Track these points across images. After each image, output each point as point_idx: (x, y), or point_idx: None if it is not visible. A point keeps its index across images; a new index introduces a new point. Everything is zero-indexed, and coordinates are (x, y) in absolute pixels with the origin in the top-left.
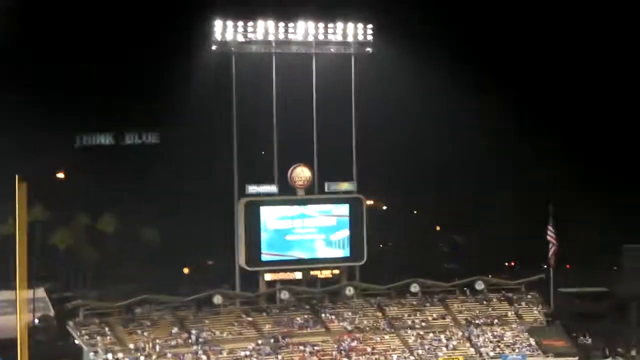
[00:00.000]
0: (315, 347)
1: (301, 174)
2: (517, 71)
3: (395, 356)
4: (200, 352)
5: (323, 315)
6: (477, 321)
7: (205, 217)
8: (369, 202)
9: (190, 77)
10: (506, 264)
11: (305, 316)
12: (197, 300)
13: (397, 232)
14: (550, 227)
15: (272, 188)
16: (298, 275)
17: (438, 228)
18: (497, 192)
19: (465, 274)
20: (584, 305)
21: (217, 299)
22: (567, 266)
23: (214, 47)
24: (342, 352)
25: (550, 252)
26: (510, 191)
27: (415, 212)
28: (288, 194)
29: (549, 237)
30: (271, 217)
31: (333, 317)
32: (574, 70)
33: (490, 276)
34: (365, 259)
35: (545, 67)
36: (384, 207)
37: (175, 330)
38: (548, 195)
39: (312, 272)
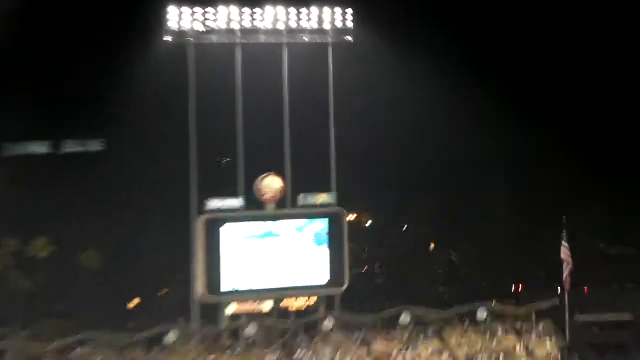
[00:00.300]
0: None
1: (271, 184)
2: (516, 62)
3: None
4: None
5: (297, 353)
6: (479, 357)
7: (157, 239)
8: (351, 217)
9: (139, 73)
10: (513, 287)
11: (277, 355)
12: (148, 338)
13: (385, 251)
14: (564, 244)
15: (237, 202)
16: (267, 306)
17: (433, 245)
18: (503, 203)
19: (465, 301)
20: (606, 336)
21: (172, 337)
22: (585, 289)
23: (167, 38)
24: None
25: (566, 273)
26: (519, 202)
27: (406, 226)
28: (256, 209)
29: (563, 255)
30: (235, 237)
31: (309, 355)
32: (580, 57)
33: (494, 303)
34: (347, 285)
35: (545, 57)
36: (369, 222)
37: None
38: (562, 207)
39: (283, 302)
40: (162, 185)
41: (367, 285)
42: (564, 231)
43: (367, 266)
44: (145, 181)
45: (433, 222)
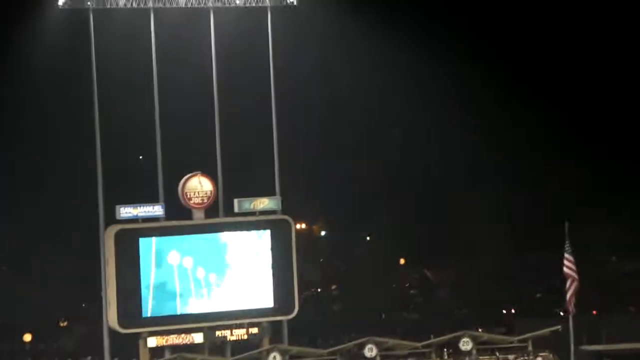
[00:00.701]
0: None
1: (198, 187)
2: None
3: None
4: None
5: None
6: None
7: (54, 257)
8: (300, 227)
9: (28, 47)
10: (504, 311)
11: None
12: None
13: (344, 269)
14: (568, 256)
15: (156, 209)
16: (197, 337)
17: (403, 261)
18: (492, 208)
19: (444, 328)
20: None
21: None
22: (594, 312)
23: (61, 2)
24: None
25: (570, 292)
26: (506, 205)
27: (368, 238)
28: (180, 218)
29: (566, 270)
30: (156, 253)
31: None
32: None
33: (480, 330)
34: (296, 311)
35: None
36: (322, 233)
37: None
38: (567, 215)
39: (218, 333)
40: (60, 189)
41: (322, 311)
42: (567, 241)
43: (320, 289)
44: (39, 184)
45: (403, 231)
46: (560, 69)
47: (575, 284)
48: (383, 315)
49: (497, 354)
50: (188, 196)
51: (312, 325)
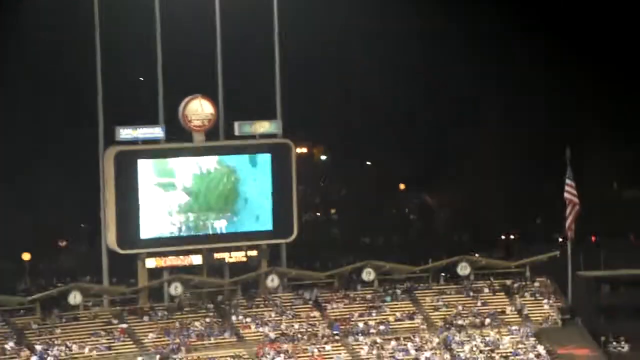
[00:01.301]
0: None
1: (199, 109)
2: None
3: None
4: None
5: (234, 317)
6: (460, 322)
7: (54, 176)
8: (300, 150)
9: None
10: (502, 236)
11: (208, 320)
12: (44, 300)
13: (343, 193)
14: (568, 181)
15: (156, 131)
16: (196, 259)
17: (402, 186)
18: (493, 134)
19: (442, 253)
20: (617, 296)
21: (75, 298)
22: (592, 239)
23: None
24: None
25: (570, 217)
26: (505, 129)
27: (368, 163)
28: (180, 140)
29: (567, 195)
30: (155, 175)
31: (249, 320)
32: None
33: (478, 255)
34: (295, 234)
35: None
36: (323, 157)
37: (10, 345)
38: (562, 135)
39: (216, 255)
40: (59, 109)
41: (321, 235)
42: (568, 167)
43: (319, 212)
44: (37, 104)
45: (403, 156)
46: None
47: (576, 207)
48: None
49: (492, 279)
50: (188, 118)
51: (311, 248)
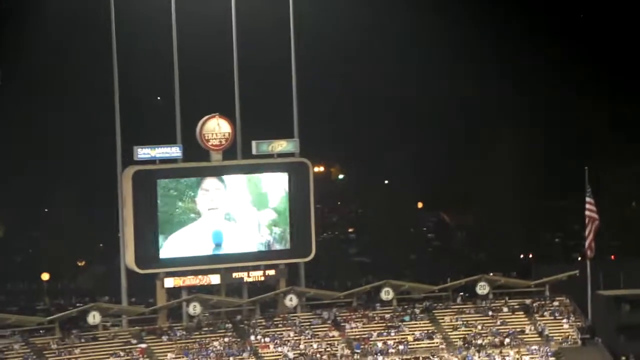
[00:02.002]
0: None
1: (216, 129)
2: None
3: None
4: None
5: (253, 337)
6: (479, 341)
7: (73, 197)
8: (318, 169)
9: None
10: (521, 256)
11: (227, 339)
12: (63, 320)
13: (361, 212)
14: (588, 199)
15: (174, 150)
16: (214, 279)
17: (420, 205)
18: (511, 153)
19: (460, 272)
20: (637, 315)
21: (94, 318)
22: (612, 257)
23: None
24: None
25: (591, 235)
26: (523, 147)
27: (386, 181)
28: (198, 159)
29: (588, 213)
30: (173, 195)
31: (267, 339)
32: None
33: (497, 275)
34: (313, 254)
35: None
36: (340, 176)
37: None
38: (580, 153)
39: (235, 275)
40: (78, 129)
41: (339, 254)
42: (587, 185)
43: (337, 232)
44: (57, 124)
45: (421, 175)
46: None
47: (596, 223)
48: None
49: (510, 298)
50: (206, 138)
51: (329, 267)
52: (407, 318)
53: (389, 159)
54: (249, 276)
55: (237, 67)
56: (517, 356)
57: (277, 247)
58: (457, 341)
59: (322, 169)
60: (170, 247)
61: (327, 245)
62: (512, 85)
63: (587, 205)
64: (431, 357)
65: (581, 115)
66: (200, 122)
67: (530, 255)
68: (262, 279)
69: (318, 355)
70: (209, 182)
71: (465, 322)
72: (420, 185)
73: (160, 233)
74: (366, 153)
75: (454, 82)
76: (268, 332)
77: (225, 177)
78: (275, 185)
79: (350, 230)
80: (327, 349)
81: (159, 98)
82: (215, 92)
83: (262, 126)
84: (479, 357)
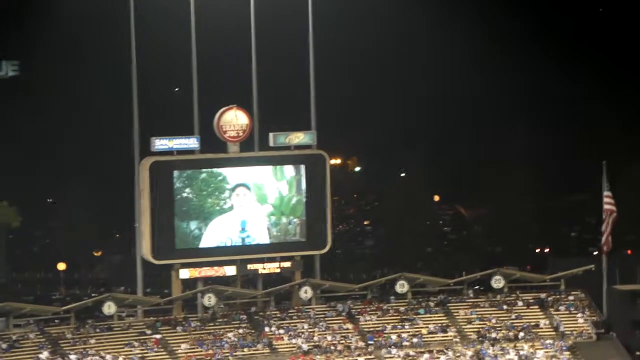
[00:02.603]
0: None
1: (234, 120)
2: None
3: None
4: None
5: (267, 329)
6: (493, 335)
7: (89, 188)
8: (334, 162)
9: None
10: (537, 250)
11: (241, 331)
12: (79, 310)
13: (377, 205)
14: (606, 193)
15: (191, 142)
16: (230, 270)
17: (437, 197)
18: (528, 147)
19: (475, 266)
20: None
21: (109, 308)
22: (628, 252)
23: None
24: None
25: (608, 228)
26: (540, 143)
27: (403, 174)
28: (215, 151)
29: (606, 206)
30: (189, 186)
31: (281, 331)
32: None
33: (512, 269)
34: (329, 246)
35: None
36: (357, 169)
37: (45, 354)
38: (597, 147)
39: (250, 266)
40: (95, 120)
41: (355, 247)
42: (604, 179)
43: (353, 224)
44: (75, 116)
45: (438, 168)
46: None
47: (614, 215)
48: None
49: (526, 292)
50: (223, 129)
51: (344, 260)
52: (421, 311)
53: (406, 152)
54: (264, 268)
55: (255, 59)
56: (531, 350)
57: (292, 239)
58: (471, 334)
59: (338, 161)
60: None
61: (343, 238)
62: (529, 79)
63: (606, 199)
64: (445, 351)
65: (599, 108)
66: (218, 113)
67: (546, 250)
68: (278, 270)
69: (332, 348)
70: (240, 189)
71: (479, 316)
72: (437, 179)
73: (183, 220)
74: (383, 146)
75: (471, 77)
76: (282, 324)
77: (248, 172)
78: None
79: (366, 222)
80: (341, 342)
81: (176, 89)
82: (233, 83)
83: (279, 118)
84: (493, 350)
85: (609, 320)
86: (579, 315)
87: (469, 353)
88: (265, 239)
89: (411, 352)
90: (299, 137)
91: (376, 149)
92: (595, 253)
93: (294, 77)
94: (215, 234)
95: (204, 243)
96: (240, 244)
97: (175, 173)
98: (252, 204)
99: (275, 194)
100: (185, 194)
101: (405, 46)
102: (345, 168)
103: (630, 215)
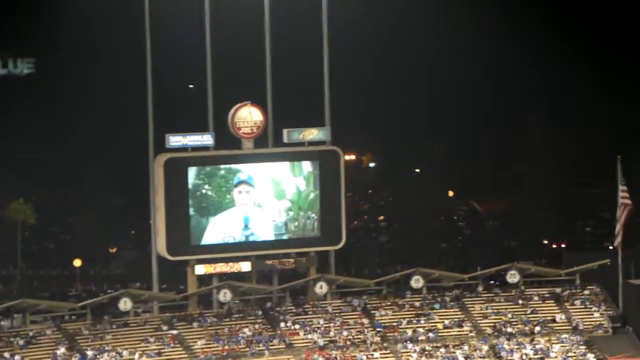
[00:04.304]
0: None
1: (248, 117)
2: None
3: None
4: None
5: (283, 324)
6: (509, 329)
7: (104, 184)
8: (349, 158)
9: None
10: (553, 245)
11: (257, 326)
12: (95, 306)
13: (392, 200)
14: (621, 187)
15: (206, 138)
16: (245, 266)
17: (451, 193)
18: (542, 143)
19: (491, 261)
20: None
21: (125, 304)
22: None
23: None
24: None
25: (622, 220)
26: (555, 136)
27: (417, 170)
28: (229, 147)
29: (622, 200)
30: (204, 182)
31: (297, 327)
32: None
33: (528, 263)
34: (343, 242)
35: None
36: (371, 165)
37: (62, 350)
38: (612, 142)
39: (266, 262)
40: (110, 117)
41: (369, 242)
42: (620, 173)
43: (368, 220)
44: (89, 112)
45: (452, 164)
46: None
47: (628, 208)
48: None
49: (541, 287)
50: (237, 126)
51: (359, 255)
52: (437, 306)
53: (421, 148)
54: (279, 263)
55: (270, 55)
56: (547, 345)
57: (309, 234)
58: (487, 329)
59: (353, 157)
60: (211, 230)
61: (358, 233)
62: (544, 72)
63: (621, 193)
64: (461, 345)
65: (614, 102)
66: (232, 110)
67: (561, 244)
68: (293, 266)
69: (348, 343)
70: (243, 187)
71: (495, 311)
72: (452, 174)
73: (202, 216)
74: (397, 141)
75: (487, 70)
76: (298, 319)
77: (265, 168)
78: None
79: (380, 218)
80: (357, 337)
81: (191, 86)
82: (247, 80)
83: (293, 114)
84: (509, 345)
85: (624, 314)
86: (595, 309)
87: (485, 348)
88: (269, 236)
89: (427, 347)
90: (313, 133)
91: (391, 145)
92: (610, 247)
93: (308, 73)
94: (218, 230)
95: (206, 239)
96: (244, 240)
97: (193, 170)
98: (257, 201)
99: (292, 190)
100: (204, 190)
101: (421, 43)
102: (360, 164)
103: None
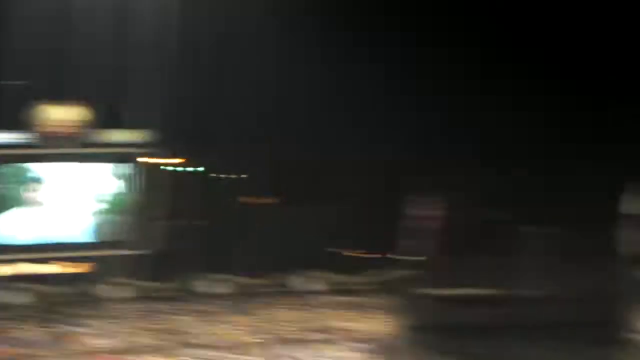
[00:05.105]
0: None
1: (59, 116)
2: None
3: None
4: None
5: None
6: (288, 335)
7: None
8: (168, 161)
9: None
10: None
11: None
12: None
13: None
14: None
15: (13, 136)
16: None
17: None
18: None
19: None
20: (459, 315)
21: None
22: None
23: None
24: None
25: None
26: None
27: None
28: (39, 147)
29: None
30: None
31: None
32: None
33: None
34: (154, 246)
35: None
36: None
37: None
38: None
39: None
40: None
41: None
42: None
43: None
44: None
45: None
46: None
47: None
48: None
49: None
50: (48, 124)
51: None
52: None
53: (246, 154)
54: (70, 266)
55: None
56: None
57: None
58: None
59: (175, 160)
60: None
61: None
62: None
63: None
64: None
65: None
66: (43, 108)
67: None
68: (86, 270)
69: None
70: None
71: (272, 317)
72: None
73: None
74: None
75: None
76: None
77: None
78: (109, 176)
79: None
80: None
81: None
82: (63, 78)
83: (111, 116)
84: None
85: (417, 323)
86: (378, 317)
87: None
88: (64, 238)
89: None
90: (127, 135)
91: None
92: None
93: (134, 74)
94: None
95: None
96: (43, 241)
97: None
98: (54, 201)
99: (106, 192)
100: None
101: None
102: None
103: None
